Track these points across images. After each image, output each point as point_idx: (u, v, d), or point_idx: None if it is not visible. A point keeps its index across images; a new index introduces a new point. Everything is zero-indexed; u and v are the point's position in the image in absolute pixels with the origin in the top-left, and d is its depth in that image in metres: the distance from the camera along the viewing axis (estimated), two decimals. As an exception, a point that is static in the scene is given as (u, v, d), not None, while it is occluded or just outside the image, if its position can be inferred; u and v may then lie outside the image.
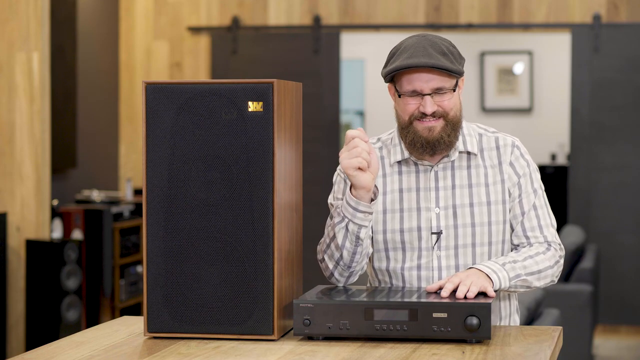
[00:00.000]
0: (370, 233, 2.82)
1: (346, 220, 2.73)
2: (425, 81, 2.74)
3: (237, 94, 2.52)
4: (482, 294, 2.61)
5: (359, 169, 2.64)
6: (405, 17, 8.20)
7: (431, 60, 2.72)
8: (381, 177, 2.87)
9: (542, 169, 10.19)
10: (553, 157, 10.69)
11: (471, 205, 2.83)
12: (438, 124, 2.77)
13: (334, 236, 2.76)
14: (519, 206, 2.85)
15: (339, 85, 8.33)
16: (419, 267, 2.84)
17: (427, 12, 8.17)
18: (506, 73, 11.11)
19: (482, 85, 11.12)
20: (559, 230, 7.87)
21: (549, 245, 2.85)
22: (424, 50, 2.75)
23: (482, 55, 11.06)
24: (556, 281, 2.87)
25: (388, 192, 2.86)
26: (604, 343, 7.69)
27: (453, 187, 2.84)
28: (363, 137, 2.65)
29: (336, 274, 2.82)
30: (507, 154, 2.87)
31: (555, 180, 10.06)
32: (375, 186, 2.74)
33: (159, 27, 8.54)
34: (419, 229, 2.83)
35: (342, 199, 2.86)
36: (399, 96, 2.79)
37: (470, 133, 2.88)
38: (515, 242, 2.87)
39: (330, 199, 2.91)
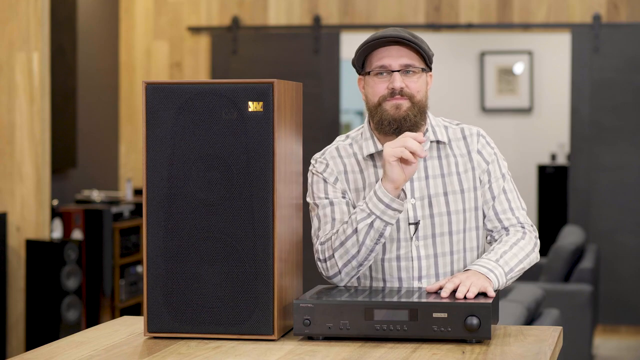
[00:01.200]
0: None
1: (373, 216, 2.74)
2: (395, 57, 2.84)
3: (237, 94, 2.53)
4: (482, 294, 2.62)
5: (402, 161, 2.66)
6: (405, 17, 8.20)
7: (401, 34, 2.83)
8: (358, 172, 2.92)
9: (542, 169, 10.19)
10: (553, 157, 10.68)
11: (445, 194, 2.89)
12: (405, 103, 2.83)
13: (354, 232, 2.76)
14: (490, 191, 2.92)
15: (339, 85, 8.32)
16: (398, 258, 2.87)
17: (427, 12, 8.17)
18: (506, 73, 11.11)
19: (482, 85, 11.11)
20: (558, 230, 7.88)
21: (523, 227, 2.92)
22: (394, 30, 2.86)
23: (482, 55, 11.06)
24: (539, 259, 2.93)
25: (367, 186, 2.90)
26: (604, 343, 7.69)
27: (426, 177, 2.89)
28: (418, 138, 2.67)
29: (343, 273, 2.83)
30: (474, 143, 2.94)
31: (555, 180, 10.05)
32: (403, 190, 2.75)
33: (159, 27, 8.53)
34: (397, 220, 2.85)
35: (326, 198, 2.88)
36: (368, 73, 2.85)
37: (438, 124, 2.95)
38: (489, 226, 2.93)
39: (310, 199, 2.92)
